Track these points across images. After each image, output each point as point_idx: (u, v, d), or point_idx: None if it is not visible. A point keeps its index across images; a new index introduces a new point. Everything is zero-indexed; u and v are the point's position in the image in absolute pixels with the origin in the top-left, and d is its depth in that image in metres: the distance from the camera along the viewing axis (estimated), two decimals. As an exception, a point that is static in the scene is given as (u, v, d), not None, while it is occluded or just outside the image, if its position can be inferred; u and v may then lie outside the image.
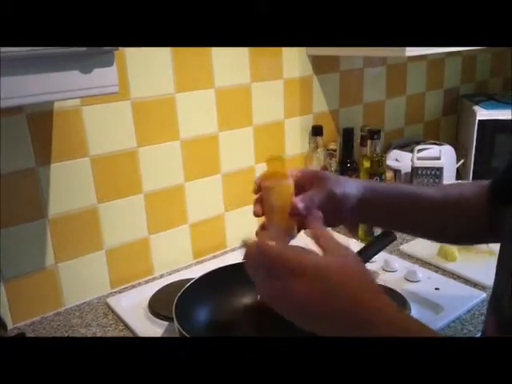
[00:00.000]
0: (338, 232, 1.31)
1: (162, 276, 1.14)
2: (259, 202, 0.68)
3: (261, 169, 1.27)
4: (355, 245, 1.17)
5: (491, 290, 0.65)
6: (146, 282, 1.12)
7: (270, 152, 1.29)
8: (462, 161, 1.55)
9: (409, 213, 0.75)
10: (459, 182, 0.79)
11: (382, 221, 0.81)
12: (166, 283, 1.05)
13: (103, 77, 0.69)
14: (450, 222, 0.75)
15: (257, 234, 0.67)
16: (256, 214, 0.68)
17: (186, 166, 1.15)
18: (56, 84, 0.65)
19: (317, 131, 1.32)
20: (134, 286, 1.10)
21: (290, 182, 0.66)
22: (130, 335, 0.93)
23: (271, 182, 0.65)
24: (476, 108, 1.56)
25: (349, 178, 0.72)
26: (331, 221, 0.68)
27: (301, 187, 0.68)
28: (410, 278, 1.04)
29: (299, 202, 0.64)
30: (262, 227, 0.67)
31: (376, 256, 1.01)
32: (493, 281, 1.03)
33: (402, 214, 0.75)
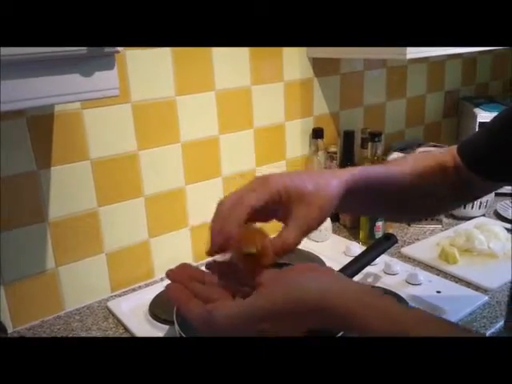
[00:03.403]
0: (337, 235, 1.30)
1: (162, 279, 1.13)
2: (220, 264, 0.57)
3: (262, 172, 1.27)
4: (356, 248, 1.17)
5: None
6: (147, 285, 1.11)
7: (270, 155, 1.29)
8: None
9: (388, 201, 0.68)
10: (429, 151, 0.74)
11: (360, 211, 0.78)
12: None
13: (104, 80, 0.68)
14: (427, 198, 0.70)
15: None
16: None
17: (186, 169, 1.14)
18: (56, 87, 0.65)
19: (317, 134, 1.31)
20: (134, 290, 1.10)
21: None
22: (131, 339, 0.93)
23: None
24: (476, 110, 1.56)
25: (323, 173, 0.60)
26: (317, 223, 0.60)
27: (279, 207, 0.56)
28: (411, 281, 1.04)
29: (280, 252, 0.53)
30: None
31: (377, 259, 1.02)
32: (494, 283, 1.04)
33: (381, 203, 0.69)
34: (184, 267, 0.56)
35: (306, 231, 0.55)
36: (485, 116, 1.51)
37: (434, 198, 0.71)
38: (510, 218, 1.34)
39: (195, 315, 0.49)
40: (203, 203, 1.19)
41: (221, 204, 0.55)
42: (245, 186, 0.56)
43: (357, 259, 0.97)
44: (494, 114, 1.53)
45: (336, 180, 0.58)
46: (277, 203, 0.55)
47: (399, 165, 0.68)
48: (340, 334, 0.71)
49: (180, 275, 0.54)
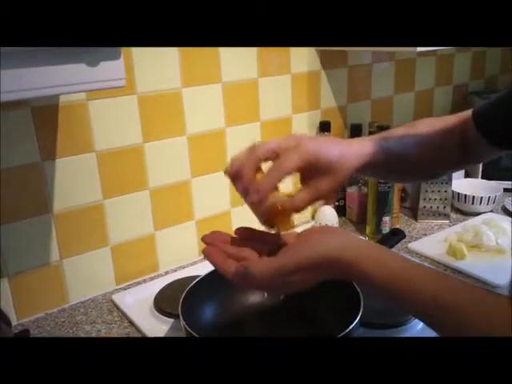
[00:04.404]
0: (344, 229, 1.29)
1: (167, 273, 1.13)
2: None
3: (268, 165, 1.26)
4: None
5: None
6: (151, 278, 1.11)
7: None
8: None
9: (403, 168, 0.73)
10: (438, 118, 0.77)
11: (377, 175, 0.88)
12: (171, 280, 1.04)
13: (110, 70, 0.67)
14: (440, 164, 0.75)
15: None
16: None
17: (192, 162, 1.13)
18: (62, 77, 0.64)
19: (324, 127, 1.30)
20: (139, 283, 1.09)
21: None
22: (135, 332, 0.93)
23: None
24: (485, 104, 1.54)
25: (349, 144, 0.66)
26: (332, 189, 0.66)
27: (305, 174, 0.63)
28: (418, 277, 1.03)
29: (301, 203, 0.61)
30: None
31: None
32: (503, 279, 1.03)
33: (400, 171, 0.74)
34: (216, 233, 0.64)
35: (317, 199, 0.61)
36: (494, 110, 1.49)
37: (441, 160, 0.74)
38: (518, 213, 1.32)
39: (232, 273, 0.57)
40: (209, 196, 1.18)
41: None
42: (279, 142, 0.61)
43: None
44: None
45: (359, 154, 0.64)
46: (303, 170, 0.61)
47: (413, 131, 0.72)
48: (343, 333, 0.71)
49: (214, 239, 0.62)
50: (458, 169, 0.85)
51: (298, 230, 0.61)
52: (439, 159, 0.72)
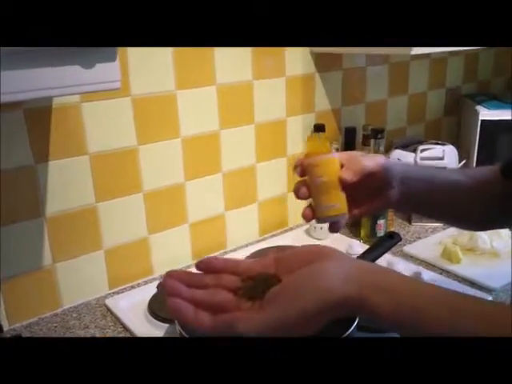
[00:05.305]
0: (338, 232, 1.29)
1: (161, 277, 1.12)
2: (304, 183, 0.66)
3: (262, 168, 1.25)
4: (358, 246, 1.15)
5: None
6: (146, 282, 1.10)
7: (271, 151, 1.27)
8: (464, 161, 1.53)
9: (448, 200, 0.74)
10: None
11: (420, 206, 0.77)
12: (165, 284, 1.03)
13: (105, 72, 0.67)
14: (479, 207, 0.75)
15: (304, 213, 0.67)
16: (302, 197, 0.66)
17: (186, 165, 1.12)
18: (56, 79, 0.63)
19: (319, 130, 1.29)
20: (133, 287, 1.08)
21: (335, 156, 0.65)
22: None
23: (315, 159, 0.64)
24: (478, 108, 1.55)
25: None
26: (376, 200, 0.70)
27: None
28: (414, 280, 1.02)
29: (346, 172, 0.63)
30: (310, 209, 0.67)
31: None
32: (498, 283, 1.03)
33: (442, 200, 0.74)
34: (173, 276, 0.52)
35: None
36: (487, 114, 1.50)
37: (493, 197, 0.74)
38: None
39: (207, 325, 0.49)
40: (203, 199, 1.17)
41: None
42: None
43: (361, 258, 0.96)
44: (497, 111, 1.52)
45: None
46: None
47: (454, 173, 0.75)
48: (347, 334, 0.70)
49: (177, 288, 0.51)
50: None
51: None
52: (491, 195, 0.73)
